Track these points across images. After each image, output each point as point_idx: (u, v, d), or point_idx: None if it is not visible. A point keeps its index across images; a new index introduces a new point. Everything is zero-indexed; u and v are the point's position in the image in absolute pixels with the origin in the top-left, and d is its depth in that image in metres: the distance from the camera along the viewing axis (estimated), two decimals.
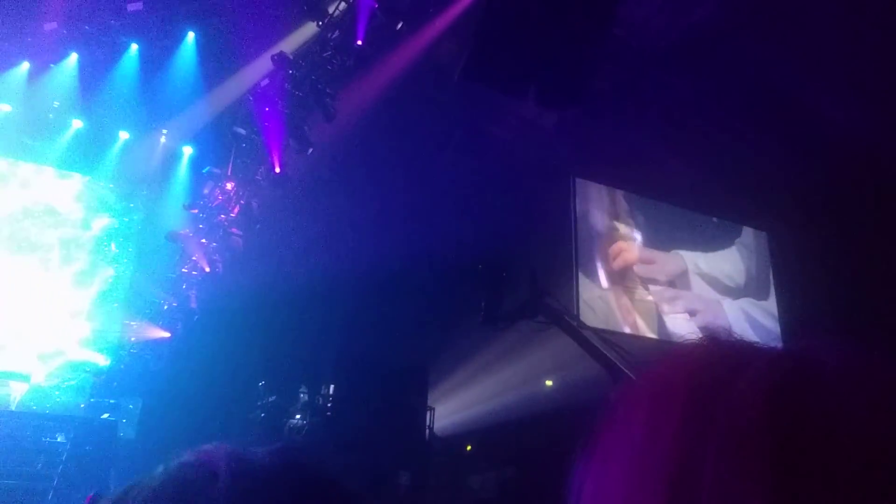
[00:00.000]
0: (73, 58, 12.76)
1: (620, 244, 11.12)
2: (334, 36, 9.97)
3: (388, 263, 11.10)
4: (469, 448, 13.68)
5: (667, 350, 0.70)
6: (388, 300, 12.02)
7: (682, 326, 11.12)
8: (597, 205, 11.07)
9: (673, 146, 11.04)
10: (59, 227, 14.42)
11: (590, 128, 10.79)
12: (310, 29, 10.38)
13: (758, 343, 0.67)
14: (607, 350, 7.60)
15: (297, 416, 11.48)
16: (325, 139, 10.60)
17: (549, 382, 13.68)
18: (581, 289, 9.99)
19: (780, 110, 10.05)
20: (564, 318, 8.24)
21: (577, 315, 9.12)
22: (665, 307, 11.10)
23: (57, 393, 13.36)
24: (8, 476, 9.24)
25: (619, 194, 11.44)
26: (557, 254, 10.16)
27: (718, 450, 0.56)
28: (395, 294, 11.98)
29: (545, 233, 10.94)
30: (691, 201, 11.95)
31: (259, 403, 11.83)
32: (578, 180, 10.77)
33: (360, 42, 9.30)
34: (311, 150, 10.38)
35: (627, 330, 10.40)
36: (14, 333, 13.27)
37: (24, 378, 12.40)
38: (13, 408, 12.04)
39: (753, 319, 11.77)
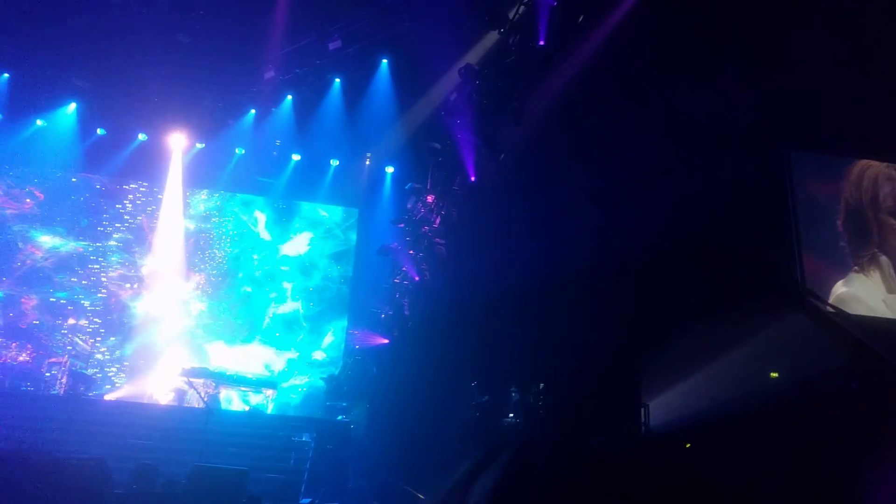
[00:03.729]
0: (289, 99, 14.41)
1: (874, 217, 9.94)
2: (515, 40, 10.13)
3: (593, 257, 10.93)
4: (688, 445, 13.00)
5: None
6: (595, 295, 11.82)
7: None
8: (825, 178, 10.01)
9: None
10: (284, 251, 16.31)
11: (803, 95, 9.79)
12: (492, 38, 10.65)
13: None
14: (861, 335, 6.80)
15: (511, 416, 11.75)
16: (515, 142, 10.80)
17: (774, 374, 12.56)
18: (813, 270, 9.10)
19: None
20: (809, 301, 7.50)
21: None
22: None
23: (295, 397, 15.10)
24: (269, 470, 10.57)
25: (855, 164, 10.22)
26: (777, 233, 9.36)
27: None
28: (601, 288, 11.76)
29: (761, 212, 10.11)
30: None
31: (473, 403, 12.29)
32: (795, 153, 9.84)
33: (541, 42, 9.35)
34: (502, 156, 10.63)
35: (888, 313, 9.23)
36: (259, 345, 15.27)
37: (274, 385, 14.18)
38: (268, 411, 13.82)
39: None
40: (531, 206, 12.07)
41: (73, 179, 16.02)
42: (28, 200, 15.70)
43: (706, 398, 12.46)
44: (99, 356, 14.79)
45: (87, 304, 15.24)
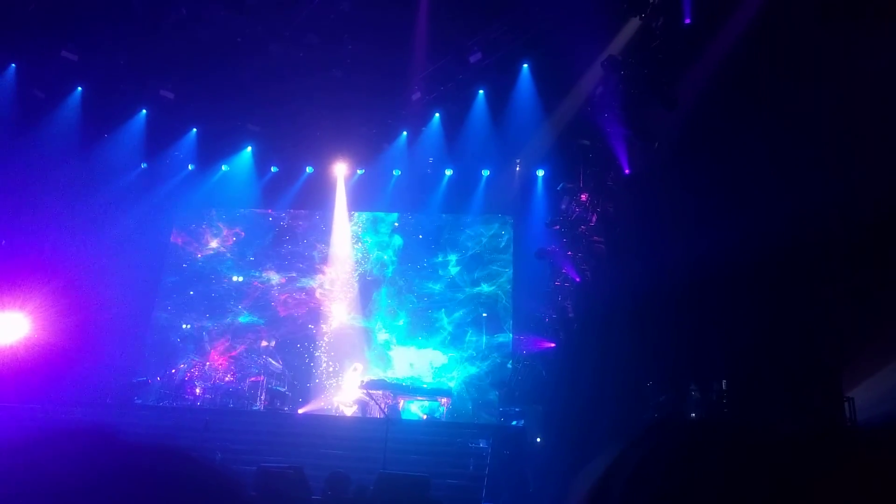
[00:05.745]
0: (436, 117, 14.90)
1: None
2: (659, 23, 9.71)
3: (774, 241, 9.89)
4: None
5: None
6: (780, 282, 10.77)
7: None
8: None
9: None
10: (443, 263, 16.79)
11: None
12: (633, 25, 10.29)
13: None
14: None
15: (692, 415, 11.14)
16: (669, 128, 10.28)
17: None
18: None
19: None
20: None
21: None
22: None
23: (470, 405, 15.43)
24: (449, 476, 10.88)
25: None
26: None
27: None
28: (787, 275, 10.69)
29: None
30: None
31: (650, 403, 11.82)
32: None
33: (687, 21, 8.89)
34: (657, 144, 10.20)
35: None
36: (428, 353, 15.83)
37: (449, 393, 14.62)
38: (442, 418, 14.26)
39: None
40: (694, 193, 11.37)
41: (272, 214, 17.77)
42: (233, 238, 17.65)
43: None
44: (290, 373, 16.17)
45: (274, 326, 16.74)
